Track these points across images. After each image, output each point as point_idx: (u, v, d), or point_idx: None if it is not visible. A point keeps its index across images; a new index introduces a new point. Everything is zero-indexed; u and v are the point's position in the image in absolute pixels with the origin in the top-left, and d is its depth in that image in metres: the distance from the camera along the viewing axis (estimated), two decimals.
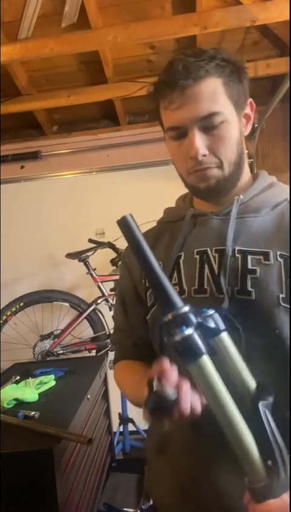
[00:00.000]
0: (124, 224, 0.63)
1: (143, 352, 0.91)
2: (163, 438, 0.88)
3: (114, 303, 2.79)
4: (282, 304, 0.73)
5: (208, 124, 0.76)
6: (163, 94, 0.78)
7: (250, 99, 0.83)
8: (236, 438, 0.60)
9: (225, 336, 0.64)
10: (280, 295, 0.73)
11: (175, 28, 2.15)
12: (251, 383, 0.65)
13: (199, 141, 0.76)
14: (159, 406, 0.61)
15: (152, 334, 0.88)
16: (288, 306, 0.73)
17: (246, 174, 0.86)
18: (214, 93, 0.75)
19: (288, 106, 2.64)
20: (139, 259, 0.62)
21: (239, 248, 0.78)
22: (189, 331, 0.59)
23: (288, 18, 2.03)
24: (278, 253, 0.76)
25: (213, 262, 0.80)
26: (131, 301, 0.95)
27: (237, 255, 0.78)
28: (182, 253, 0.84)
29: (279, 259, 0.75)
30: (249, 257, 0.77)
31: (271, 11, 2.06)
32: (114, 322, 1.05)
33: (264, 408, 0.61)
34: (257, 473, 0.59)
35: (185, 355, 0.59)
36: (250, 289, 0.75)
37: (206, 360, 0.60)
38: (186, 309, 0.60)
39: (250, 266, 0.76)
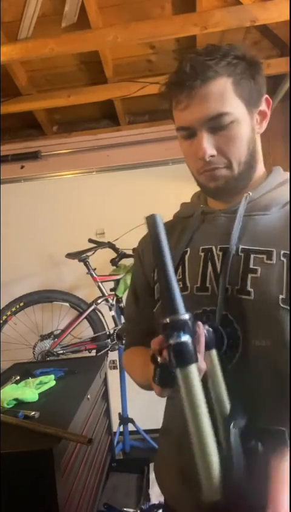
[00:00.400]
0: (152, 222, 0.63)
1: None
2: (167, 420, 0.90)
3: (114, 303, 2.82)
4: (282, 305, 0.71)
5: (217, 125, 0.76)
6: (172, 94, 0.78)
7: (266, 96, 0.81)
8: (202, 450, 0.60)
9: (214, 353, 0.65)
10: (281, 296, 0.71)
11: (175, 28, 2.15)
12: (227, 406, 0.66)
13: (207, 142, 0.76)
14: (166, 376, 0.63)
15: (158, 328, 0.88)
16: (288, 307, 0.71)
17: (260, 171, 0.85)
18: (222, 93, 0.74)
19: (288, 106, 2.64)
20: (156, 258, 0.63)
21: (243, 246, 0.77)
22: (185, 338, 0.60)
23: (288, 18, 2.03)
24: (282, 252, 0.74)
25: (216, 260, 0.79)
26: (142, 293, 0.97)
27: (240, 254, 0.77)
28: (189, 250, 0.84)
29: (283, 258, 0.74)
30: (252, 256, 0.76)
31: (271, 11, 2.06)
32: (125, 311, 1.06)
33: (234, 429, 0.62)
34: (213, 489, 0.60)
35: (176, 359, 0.60)
36: (249, 288, 0.74)
37: (194, 369, 0.60)
38: (186, 317, 0.61)
39: (251, 265, 0.75)
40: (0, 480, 1.11)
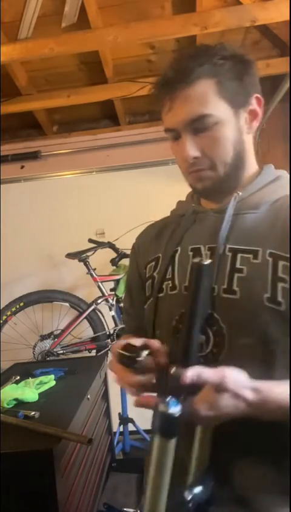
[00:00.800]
0: (197, 271, 0.67)
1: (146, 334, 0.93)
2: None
3: (114, 303, 2.83)
4: (267, 304, 0.71)
5: (200, 126, 0.76)
6: (159, 97, 0.80)
7: (256, 94, 0.80)
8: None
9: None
10: (266, 295, 0.72)
11: (175, 28, 2.15)
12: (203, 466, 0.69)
13: (190, 144, 0.77)
14: (127, 359, 0.68)
15: (147, 325, 0.89)
16: (274, 306, 0.71)
17: (251, 170, 0.84)
18: (205, 95, 0.75)
19: (288, 106, 2.64)
20: (189, 303, 0.68)
21: (230, 246, 0.78)
22: (174, 409, 0.60)
23: (288, 18, 2.03)
24: (268, 251, 0.74)
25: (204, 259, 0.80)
26: (136, 289, 0.97)
27: (228, 253, 0.77)
28: (179, 249, 0.85)
29: (268, 257, 0.74)
30: (239, 255, 0.76)
31: (271, 11, 2.06)
32: (123, 304, 1.09)
33: (189, 501, 0.65)
34: None
35: (159, 427, 0.62)
36: (235, 288, 0.74)
37: (172, 444, 0.61)
38: None
39: (238, 265, 0.76)
40: (0, 480, 1.12)
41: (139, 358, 0.68)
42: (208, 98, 0.75)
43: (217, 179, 0.80)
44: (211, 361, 0.74)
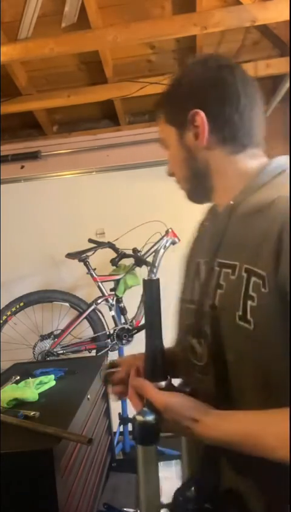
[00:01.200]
0: (150, 287, 0.71)
1: None
2: None
3: (114, 303, 2.82)
4: (238, 322, 0.69)
5: (163, 148, 0.90)
6: None
7: (193, 111, 0.78)
8: None
9: None
10: (238, 313, 0.69)
11: (175, 28, 2.15)
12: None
13: (168, 163, 0.90)
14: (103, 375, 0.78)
15: None
16: (245, 325, 0.68)
17: (236, 175, 0.79)
18: (160, 123, 0.88)
19: (288, 106, 2.64)
20: (146, 318, 0.72)
21: (219, 260, 0.77)
22: (150, 417, 0.63)
23: (288, 18, 2.03)
24: (244, 266, 0.70)
25: (201, 274, 0.83)
26: None
27: (216, 268, 0.77)
28: (191, 262, 0.89)
29: (244, 273, 0.70)
30: (223, 270, 0.75)
31: (271, 11, 2.06)
32: None
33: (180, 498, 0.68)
34: None
35: (138, 437, 0.64)
36: (216, 304, 0.75)
37: (153, 450, 0.64)
38: (162, 385, 0.68)
39: (221, 281, 0.75)
40: (0, 480, 1.12)
41: (105, 372, 0.86)
42: (161, 126, 0.87)
43: (189, 191, 0.88)
44: (208, 372, 0.76)
